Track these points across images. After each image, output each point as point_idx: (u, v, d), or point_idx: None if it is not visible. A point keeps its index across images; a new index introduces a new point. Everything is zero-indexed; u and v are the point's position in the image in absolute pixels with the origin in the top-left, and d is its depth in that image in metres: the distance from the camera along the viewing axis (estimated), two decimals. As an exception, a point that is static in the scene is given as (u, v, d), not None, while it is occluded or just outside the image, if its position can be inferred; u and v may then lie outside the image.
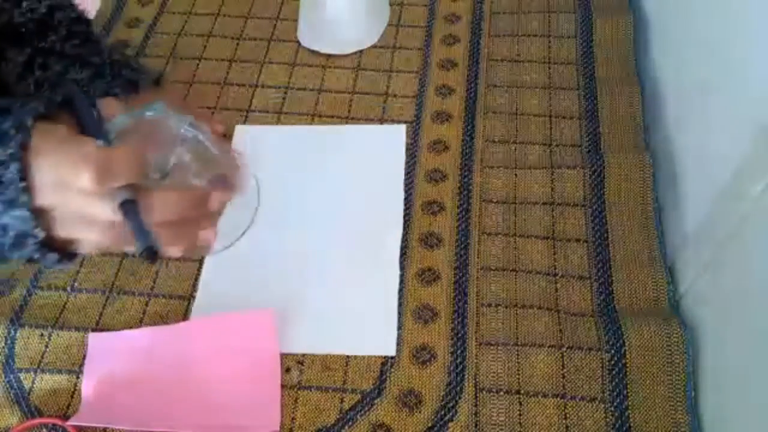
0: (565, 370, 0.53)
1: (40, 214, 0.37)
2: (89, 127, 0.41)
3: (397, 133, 0.68)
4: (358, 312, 0.57)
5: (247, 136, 0.68)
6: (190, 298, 0.58)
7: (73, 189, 0.37)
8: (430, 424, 0.52)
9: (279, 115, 0.70)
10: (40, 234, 0.38)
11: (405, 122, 0.68)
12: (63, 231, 0.39)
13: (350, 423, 0.52)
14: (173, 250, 0.42)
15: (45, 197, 0.37)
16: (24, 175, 0.36)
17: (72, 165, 0.37)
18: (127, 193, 0.39)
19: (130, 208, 0.39)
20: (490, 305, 0.57)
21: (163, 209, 0.40)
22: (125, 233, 0.39)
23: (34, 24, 0.55)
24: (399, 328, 0.56)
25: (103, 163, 0.38)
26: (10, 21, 0.54)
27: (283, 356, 0.55)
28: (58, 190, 0.37)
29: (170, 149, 0.46)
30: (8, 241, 0.38)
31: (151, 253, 0.41)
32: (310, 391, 0.53)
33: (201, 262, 0.60)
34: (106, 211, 0.38)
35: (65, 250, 0.40)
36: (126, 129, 0.47)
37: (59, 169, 0.37)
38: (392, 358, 0.54)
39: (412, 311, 0.57)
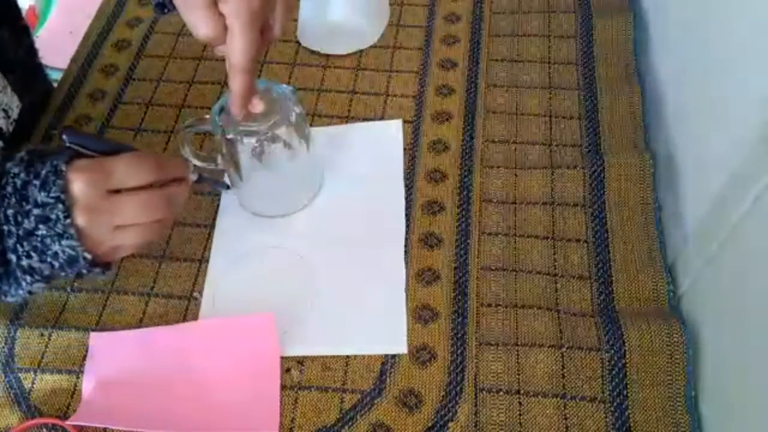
0: (565, 370, 0.53)
1: (82, 237, 0.45)
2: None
3: (394, 128, 0.68)
4: (366, 311, 0.57)
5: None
6: (189, 298, 0.58)
7: (101, 202, 0.45)
8: (430, 424, 0.52)
9: (279, 115, 0.70)
10: (88, 256, 0.45)
11: (405, 122, 0.68)
12: (103, 246, 0.46)
13: (350, 423, 0.52)
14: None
15: (81, 219, 0.44)
16: (68, 213, 0.43)
17: (99, 175, 0.45)
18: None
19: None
20: (490, 305, 0.57)
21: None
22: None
23: None
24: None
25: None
26: None
27: (286, 357, 0.55)
28: (89, 211, 0.44)
29: (284, 122, 0.55)
30: (62, 263, 0.45)
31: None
32: (310, 391, 0.53)
33: (201, 262, 0.60)
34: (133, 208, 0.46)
35: (108, 261, 0.48)
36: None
37: (88, 190, 0.44)
38: (392, 358, 0.54)
39: (412, 311, 0.57)
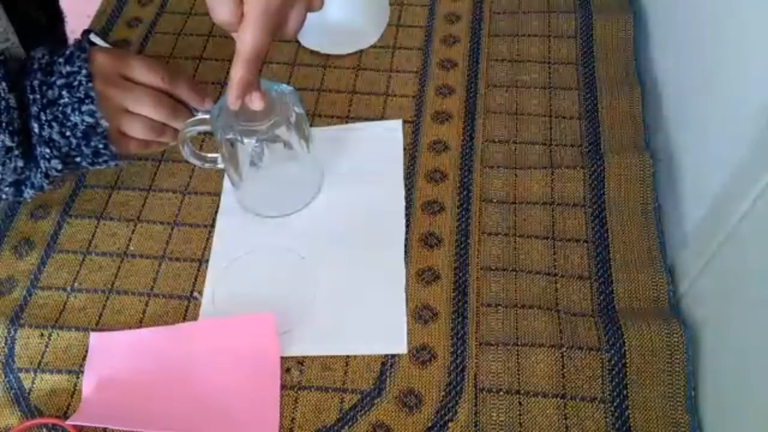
0: (565, 370, 0.53)
1: (100, 104, 0.48)
2: None
3: (394, 128, 0.68)
4: (366, 312, 0.57)
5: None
6: (189, 298, 0.58)
7: (117, 80, 0.50)
8: (430, 424, 0.52)
9: (279, 115, 0.70)
10: (104, 123, 0.49)
11: (405, 122, 0.68)
12: (114, 124, 0.50)
13: (350, 423, 0.52)
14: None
15: (100, 85, 0.49)
16: (90, 78, 0.48)
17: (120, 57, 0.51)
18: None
19: None
20: (490, 305, 0.57)
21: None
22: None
23: None
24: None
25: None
26: None
27: (286, 357, 0.55)
28: (107, 83, 0.49)
29: (284, 124, 0.55)
30: (79, 137, 0.49)
31: None
32: (310, 391, 0.53)
33: (201, 262, 0.60)
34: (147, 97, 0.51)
35: (118, 150, 0.52)
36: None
37: (107, 66, 0.49)
38: (392, 358, 0.54)
39: (412, 311, 0.57)
